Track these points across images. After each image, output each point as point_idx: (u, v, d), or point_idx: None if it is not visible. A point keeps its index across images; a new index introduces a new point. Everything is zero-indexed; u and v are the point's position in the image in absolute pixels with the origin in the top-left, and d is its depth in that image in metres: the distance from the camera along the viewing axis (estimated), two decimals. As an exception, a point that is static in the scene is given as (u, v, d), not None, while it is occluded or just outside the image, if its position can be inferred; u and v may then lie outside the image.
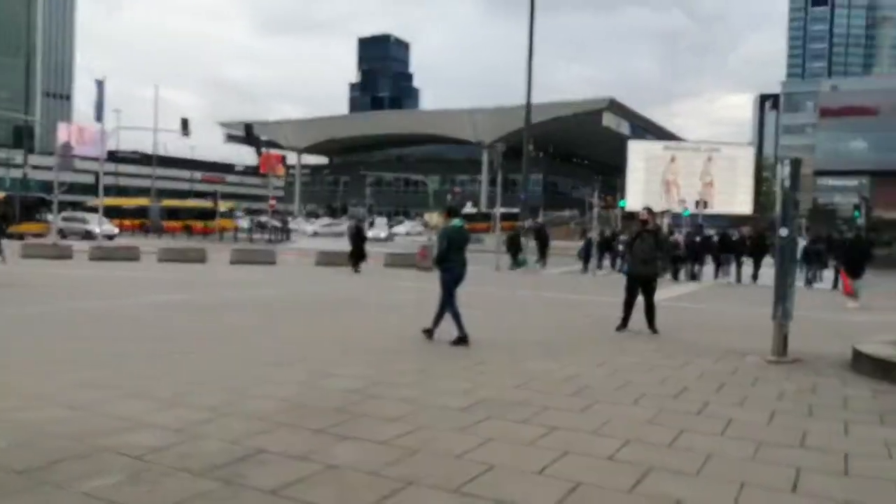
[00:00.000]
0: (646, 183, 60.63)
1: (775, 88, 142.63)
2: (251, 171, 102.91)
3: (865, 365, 7.29)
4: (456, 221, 8.65)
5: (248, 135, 33.97)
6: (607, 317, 10.62)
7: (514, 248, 26.14)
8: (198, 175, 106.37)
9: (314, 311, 11.68)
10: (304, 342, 8.36)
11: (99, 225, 31.72)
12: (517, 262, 25.63)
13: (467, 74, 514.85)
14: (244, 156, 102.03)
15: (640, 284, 9.95)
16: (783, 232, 7.97)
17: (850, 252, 17.56)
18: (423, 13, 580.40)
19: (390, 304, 12.89)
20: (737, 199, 62.33)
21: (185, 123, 30.25)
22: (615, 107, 79.27)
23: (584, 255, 25.62)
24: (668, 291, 17.44)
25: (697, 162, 63.07)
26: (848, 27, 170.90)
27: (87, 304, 11.52)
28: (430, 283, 17.86)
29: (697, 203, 41.51)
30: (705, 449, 4.53)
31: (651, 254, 9.90)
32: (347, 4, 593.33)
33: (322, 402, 5.43)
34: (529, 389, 6.13)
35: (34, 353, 7.23)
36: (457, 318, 8.25)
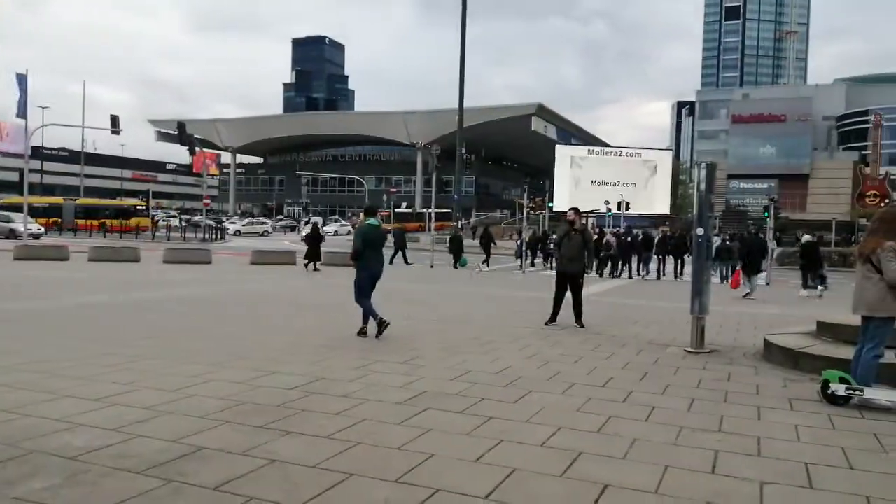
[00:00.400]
0: (572, 185, 62.21)
1: (692, 96, 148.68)
2: (184, 169, 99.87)
3: (776, 355, 7.82)
4: (371, 220, 8.87)
5: (180, 133, 32.86)
6: (536, 311, 10.93)
7: (455, 248, 26.59)
8: (128, 173, 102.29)
9: (254, 309, 11.51)
10: (246, 340, 8.26)
11: (24, 224, 30.06)
12: (460, 262, 26.19)
13: (400, 77, 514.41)
14: (177, 154, 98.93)
15: (568, 281, 10.34)
16: (699, 232, 8.44)
17: (746, 249, 18.87)
18: (357, 16, 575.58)
19: (328, 303, 12.82)
20: (656, 200, 64.64)
21: (114, 120, 29.06)
22: (543, 112, 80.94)
23: (519, 254, 26.59)
24: (595, 287, 18.07)
25: (620, 165, 65.16)
26: (758, 39, 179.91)
27: (21, 306, 10.97)
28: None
29: (620, 204, 42.88)
30: (631, 434, 4.81)
31: (578, 252, 10.30)
32: (281, 5, 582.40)
33: (264, 400, 5.44)
34: (466, 382, 6.31)
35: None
36: (366, 313, 8.66)
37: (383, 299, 9.58)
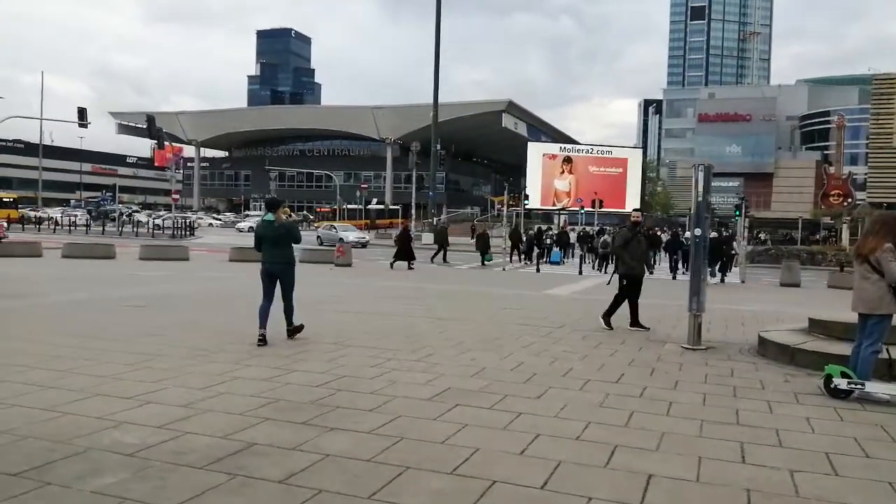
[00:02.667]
0: (544, 182, 62.80)
1: (658, 95, 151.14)
2: (145, 163, 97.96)
3: (772, 351, 8.16)
4: (267, 216, 8.32)
5: (150, 127, 32.33)
6: (533, 309, 11.19)
7: (483, 245, 27.46)
8: (87, 167, 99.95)
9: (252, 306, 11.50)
10: (250, 338, 8.30)
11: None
12: (486, 259, 27.06)
13: (364, 71, 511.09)
14: (137, 148, 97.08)
15: (635, 283, 10.37)
16: (697, 232, 8.74)
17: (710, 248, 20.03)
18: (320, 9, 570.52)
19: (329, 298, 12.85)
20: (627, 198, 65.61)
21: (81, 113, 28.50)
22: (514, 108, 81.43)
23: (527, 250, 27.66)
24: (575, 285, 18.42)
25: (591, 163, 66.03)
26: (723, 40, 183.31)
27: (9, 304, 10.83)
28: (347, 279, 18.03)
29: (594, 202, 43.50)
30: (657, 428, 5.04)
31: (645, 254, 10.50)
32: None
33: (295, 397, 5.55)
34: (484, 378, 6.49)
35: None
36: (262, 315, 7.97)
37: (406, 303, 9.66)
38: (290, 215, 8.29)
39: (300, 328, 8.32)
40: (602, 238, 25.99)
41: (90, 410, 4.97)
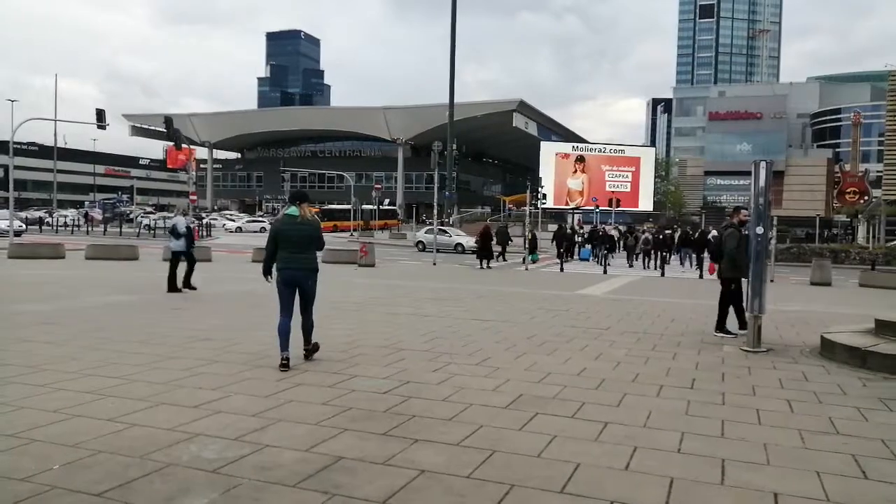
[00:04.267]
0: (557, 181, 62.42)
1: (665, 93, 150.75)
2: (157, 165, 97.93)
3: (840, 353, 7.83)
4: (290, 210, 6.74)
5: (168, 128, 32.13)
6: (573, 310, 10.90)
7: (531, 245, 27.77)
8: (101, 168, 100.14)
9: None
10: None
11: (10, 220, 29.13)
12: (532, 258, 27.41)
13: (373, 71, 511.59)
14: (149, 149, 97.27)
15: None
16: (758, 230, 8.42)
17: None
18: (328, 10, 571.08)
19: (369, 301, 12.60)
20: (640, 197, 65.23)
21: (100, 114, 28.35)
22: (524, 108, 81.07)
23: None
24: (604, 285, 18.10)
25: (604, 162, 65.61)
26: (732, 38, 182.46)
27: (50, 307, 10.60)
28: (380, 280, 17.76)
29: (611, 201, 43.12)
30: (757, 439, 4.74)
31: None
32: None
33: (367, 405, 5.28)
34: (553, 384, 6.21)
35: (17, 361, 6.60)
36: (282, 334, 6.64)
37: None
38: (315, 214, 7.06)
39: (317, 348, 7.03)
40: (644, 236, 26.38)
41: (158, 421, 4.71)
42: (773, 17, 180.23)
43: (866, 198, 51.92)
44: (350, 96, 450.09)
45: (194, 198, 43.71)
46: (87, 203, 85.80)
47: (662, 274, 23.52)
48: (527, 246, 27.89)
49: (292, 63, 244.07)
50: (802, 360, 7.88)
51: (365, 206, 57.95)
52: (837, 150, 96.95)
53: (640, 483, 3.85)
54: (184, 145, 39.31)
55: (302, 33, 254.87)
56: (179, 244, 13.26)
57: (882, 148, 67.33)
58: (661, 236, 26.82)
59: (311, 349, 6.96)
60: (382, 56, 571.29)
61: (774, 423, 5.19)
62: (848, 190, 52.17)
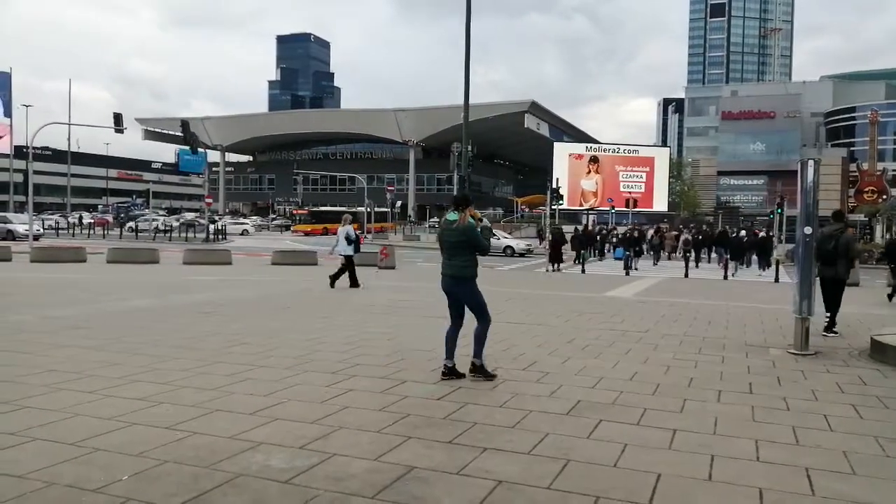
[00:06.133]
0: (570, 182, 62.13)
1: (676, 93, 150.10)
2: (169, 168, 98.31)
3: (893, 356, 7.63)
4: (450, 214, 6.47)
5: (185, 132, 32.17)
6: (606, 313, 10.70)
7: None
8: (113, 172, 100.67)
9: (312, 311, 11.16)
10: (331, 345, 7.93)
11: (30, 224, 29.20)
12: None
13: (382, 73, 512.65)
14: (161, 153, 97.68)
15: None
16: (807, 231, 8.23)
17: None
18: (335, 12, 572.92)
19: (398, 304, 12.48)
20: (655, 197, 64.85)
21: (117, 118, 28.39)
22: (536, 109, 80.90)
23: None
24: (631, 286, 17.91)
25: (618, 162, 65.28)
26: (743, 37, 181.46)
27: (78, 311, 10.54)
28: (399, 282, 17.63)
29: (628, 202, 42.84)
30: (835, 446, 4.58)
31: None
32: (257, 2, 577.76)
33: (425, 412, 5.15)
34: (608, 389, 6.06)
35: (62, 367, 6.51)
36: (447, 340, 6.45)
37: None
38: (481, 219, 6.60)
39: (482, 369, 6.35)
40: (683, 237, 27.94)
41: (216, 429, 4.59)
42: (785, 15, 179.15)
43: (885, 197, 51.35)
44: (359, 98, 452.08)
45: (210, 201, 43.89)
46: (100, 207, 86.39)
47: (686, 274, 23.29)
48: (573, 248, 28.42)
49: (302, 66, 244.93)
50: (854, 364, 7.70)
51: (359, 209, 57.66)
52: (852, 148, 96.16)
53: (728, 494, 3.70)
54: (205, 149, 39.43)
55: (312, 36, 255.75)
56: (350, 249, 15.30)
57: (899, 146, 66.66)
58: (700, 236, 27.58)
59: (476, 368, 6.37)
60: (389, 57, 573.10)
61: (847, 429, 5.02)
62: (866, 189, 51.62)
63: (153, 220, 51.94)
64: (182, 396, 5.45)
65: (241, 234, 53.81)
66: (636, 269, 25.63)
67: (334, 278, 15.30)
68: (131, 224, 47.54)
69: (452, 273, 6.34)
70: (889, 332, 8.58)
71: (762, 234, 31.29)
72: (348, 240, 15.31)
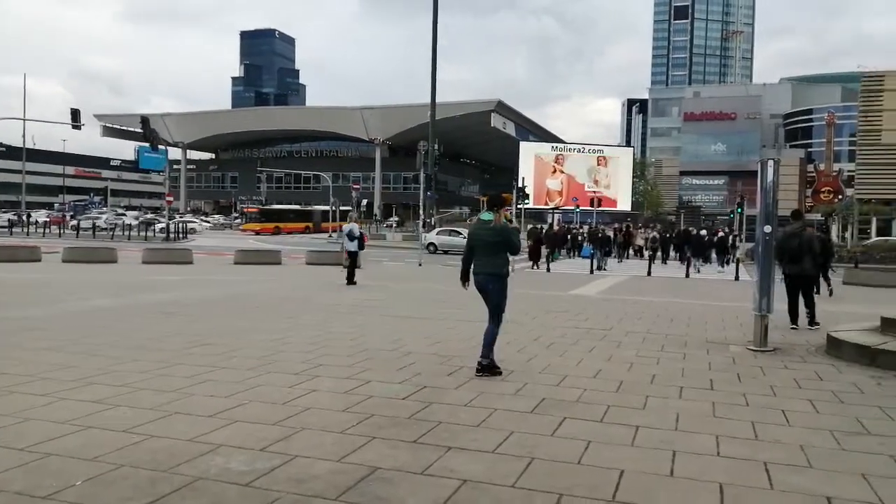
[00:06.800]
0: (536, 182, 62.60)
1: (640, 94, 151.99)
2: (129, 166, 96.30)
3: (848, 352, 7.82)
4: (484, 215, 6.74)
5: (144, 128, 31.51)
6: (571, 311, 10.79)
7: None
8: (70, 170, 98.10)
9: (275, 310, 11.01)
10: (296, 345, 7.84)
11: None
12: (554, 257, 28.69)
13: (348, 71, 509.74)
14: (118, 150, 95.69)
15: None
16: (766, 229, 8.39)
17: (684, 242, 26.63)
18: (301, 8, 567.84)
19: (364, 303, 12.38)
20: (619, 196, 65.68)
21: (75, 114, 27.65)
22: (503, 108, 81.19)
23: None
24: (595, 285, 18.09)
25: (583, 162, 65.94)
26: (706, 39, 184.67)
27: (38, 312, 10.22)
28: (366, 281, 17.51)
29: (592, 201, 43.30)
30: (792, 440, 4.66)
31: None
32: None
33: (389, 412, 5.11)
34: (572, 387, 6.09)
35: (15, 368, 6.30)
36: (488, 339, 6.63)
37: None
38: (510, 220, 6.99)
39: (494, 368, 6.49)
40: (652, 234, 29.65)
41: (175, 432, 4.49)
42: (747, 18, 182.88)
43: (840, 197, 52.78)
44: (325, 96, 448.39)
45: (170, 199, 43.12)
46: (56, 205, 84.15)
47: (649, 272, 23.61)
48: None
49: (267, 62, 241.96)
50: (811, 360, 7.87)
51: (317, 207, 56.73)
52: (809, 149, 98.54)
53: (689, 489, 3.74)
54: (165, 146, 38.69)
55: (276, 32, 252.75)
56: (353, 245, 16.16)
57: (853, 148, 68.68)
58: (668, 234, 28.22)
59: (486, 366, 6.48)
60: (355, 55, 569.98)
61: (804, 424, 5.12)
62: (823, 189, 52.92)
63: (98, 216, 50.52)
64: (140, 399, 5.33)
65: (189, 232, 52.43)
66: (605, 268, 25.85)
67: (349, 274, 16.01)
68: (78, 222, 46.10)
69: (491, 271, 6.55)
70: (844, 328, 8.79)
71: (721, 233, 32.18)
72: (351, 237, 16.16)
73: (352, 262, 16.17)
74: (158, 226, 42.84)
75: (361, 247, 16.46)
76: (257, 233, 55.01)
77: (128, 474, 3.72)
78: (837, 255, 32.67)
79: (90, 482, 3.59)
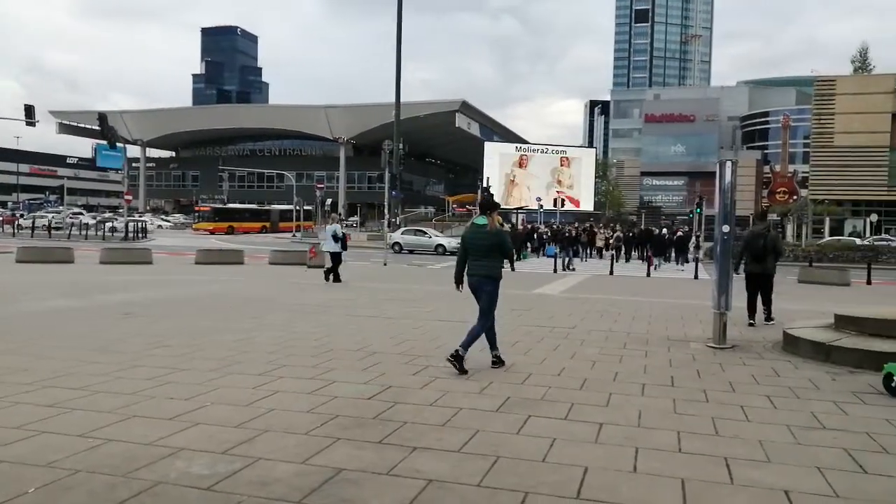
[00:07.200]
0: (505, 182, 62.89)
1: (603, 95, 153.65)
2: (86, 164, 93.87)
3: (804, 349, 8.02)
4: (477, 220, 6.96)
5: (102, 126, 30.72)
6: (534, 310, 10.85)
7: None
8: (25, 167, 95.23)
9: (239, 310, 10.84)
10: (259, 346, 7.73)
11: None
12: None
13: (311, 69, 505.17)
14: (76, 148, 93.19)
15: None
16: (725, 229, 8.56)
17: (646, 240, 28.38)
18: (264, 6, 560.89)
19: (333, 303, 12.26)
20: (582, 196, 66.34)
21: (29, 110, 26.79)
22: (467, 109, 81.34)
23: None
24: (559, 284, 18.25)
25: (546, 162, 66.43)
26: (666, 42, 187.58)
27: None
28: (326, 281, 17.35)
29: (555, 201, 43.64)
30: (752, 436, 4.76)
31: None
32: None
33: (354, 412, 5.07)
34: (537, 385, 6.13)
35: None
36: (487, 338, 6.99)
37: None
38: (503, 224, 7.24)
39: (463, 369, 6.55)
40: (616, 234, 30.78)
41: (134, 435, 4.39)
42: (705, 22, 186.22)
43: (795, 197, 54.11)
44: (289, 94, 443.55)
45: (129, 198, 42.18)
46: (10, 204, 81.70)
47: (611, 272, 23.90)
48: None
49: (228, 60, 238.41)
50: (768, 356, 8.05)
51: (275, 206, 55.52)
52: (766, 151, 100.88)
53: (652, 485, 3.79)
54: (123, 143, 37.81)
55: (238, 29, 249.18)
56: (336, 246, 16.42)
57: (808, 150, 70.51)
58: (631, 234, 28.80)
59: (455, 356, 6.60)
60: (320, 53, 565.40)
61: (762, 419, 5.24)
62: (778, 190, 54.11)
63: (44, 215, 48.85)
64: (98, 402, 5.20)
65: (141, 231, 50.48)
66: (573, 268, 26.03)
67: (328, 273, 16.37)
68: (23, 220, 44.60)
69: (486, 273, 6.80)
70: (800, 325, 9.01)
71: (680, 232, 32.93)
72: (335, 237, 16.38)
73: (335, 262, 16.49)
74: (108, 224, 41.54)
75: (345, 247, 16.81)
76: (211, 232, 53.41)
77: (84, 480, 3.63)
78: (793, 255, 33.77)
79: (45, 489, 3.49)
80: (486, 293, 6.80)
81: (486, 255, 6.78)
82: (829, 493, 3.72)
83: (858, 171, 57.87)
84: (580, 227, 33.55)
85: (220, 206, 64.06)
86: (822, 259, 33.65)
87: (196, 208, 68.75)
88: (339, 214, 16.12)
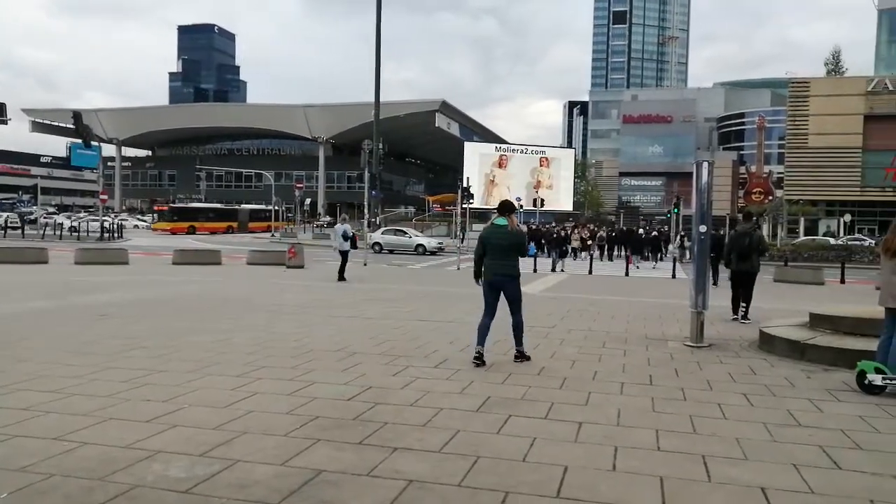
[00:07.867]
0: (485, 182, 63.00)
1: (581, 96, 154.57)
2: (60, 163, 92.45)
3: (780, 347, 8.13)
4: (497, 220, 7.20)
5: (77, 124, 30.25)
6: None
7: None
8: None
9: (217, 311, 10.74)
10: (236, 346, 7.67)
11: None
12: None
13: (289, 69, 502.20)
14: (50, 147, 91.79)
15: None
16: (702, 229, 8.65)
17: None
18: (242, 4, 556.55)
19: (311, 303, 12.19)
20: (562, 197, 66.69)
21: (1, 108, 26.26)
22: (447, 109, 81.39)
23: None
24: (539, 283, 18.32)
25: (525, 162, 66.71)
26: (643, 43, 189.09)
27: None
28: (309, 281, 17.28)
29: (535, 201, 43.81)
30: (729, 434, 4.81)
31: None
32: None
33: (334, 413, 5.04)
34: (517, 384, 6.15)
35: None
36: (481, 331, 7.23)
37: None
38: (518, 224, 7.61)
39: (527, 356, 7.25)
40: (600, 233, 32.05)
41: (110, 438, 4.33)
42: (682, 24, 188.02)
43: (771, 198, 54.85)
44: (268, 93, 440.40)
45: (104, 197, 41.59)
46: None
47: (590, 271, 24.05)
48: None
49: (206, 58, 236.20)
50: (744, 354, 8.15)
51: (244, 206, 54.35)
52: (741, 152, 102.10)
53: (631, 483, 3.82)
54: (98, 142, 37.25)
55: (216, 27, 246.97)
56: (346, 245, 17.13)
57: (783, 151, 71.53)
58: (613, 233, 29.11)
59: (520, 355, 7.26)
60: (299, 53, 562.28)
61: (739, 417, 5.30)
62: (754, 190, 54.81)
63: (42, 217, 48.44)
64: (73, 405, 5.12)
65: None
66: (562, 269, 26.08)
67: (340, 273, 17.26)
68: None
69: (507, 272, 7.18)
70: (776, 324, 9.13)
71: (655, 232, 33.51)
72: (345, 237, 17.13)
73: (343, 261, 17.24)
74: (81, 224, 40.35)
75: (354, 246, 17.36)
76: (172, 232, 51.37)
77: (59, 484, 3.57)
78: (768, 255, 34.28)
79: (18, 493, 3.43)
80: (512, 290, 7.23)
81: (507, 254, 7.12)
82: (804, 490, 3.78)
83: (832, 172, 58.71)
84: (560, 228, 33.76)
85: (179, 205, 61.62)
86: (797, 259, 34.14)
87: (155, 207, 65.44)
88: (345, 216, 16.67)
